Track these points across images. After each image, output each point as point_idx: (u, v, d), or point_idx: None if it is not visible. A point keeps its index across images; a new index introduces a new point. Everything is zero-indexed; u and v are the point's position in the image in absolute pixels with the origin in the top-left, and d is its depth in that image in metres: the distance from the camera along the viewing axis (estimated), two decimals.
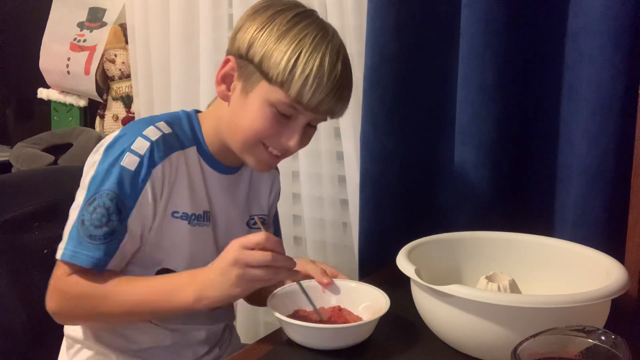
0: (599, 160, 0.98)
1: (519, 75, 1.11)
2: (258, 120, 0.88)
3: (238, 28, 0.90)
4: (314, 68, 0.84)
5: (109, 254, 0.85)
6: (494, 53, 1.08)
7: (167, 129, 0.91)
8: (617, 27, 0.94)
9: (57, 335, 0.99)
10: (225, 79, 0.91)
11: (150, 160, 0.87)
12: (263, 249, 0.80)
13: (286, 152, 0.93)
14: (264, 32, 0.86)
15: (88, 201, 0.86)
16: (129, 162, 0.86)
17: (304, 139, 0.92)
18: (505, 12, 1.06)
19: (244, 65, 0.88)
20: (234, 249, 0.80)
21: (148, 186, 0.87)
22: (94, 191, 0.86)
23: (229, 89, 0.91)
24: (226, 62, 0.91)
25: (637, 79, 0.94)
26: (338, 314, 0.88)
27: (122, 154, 0.86)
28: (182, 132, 0.94)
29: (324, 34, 0.87)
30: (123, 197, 0.85)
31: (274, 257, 0.80)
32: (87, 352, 0.95)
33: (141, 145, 0.87)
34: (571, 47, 1.06)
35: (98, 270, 0.85)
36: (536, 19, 1.09)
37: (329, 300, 0.90)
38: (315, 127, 0.94)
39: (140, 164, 0.86)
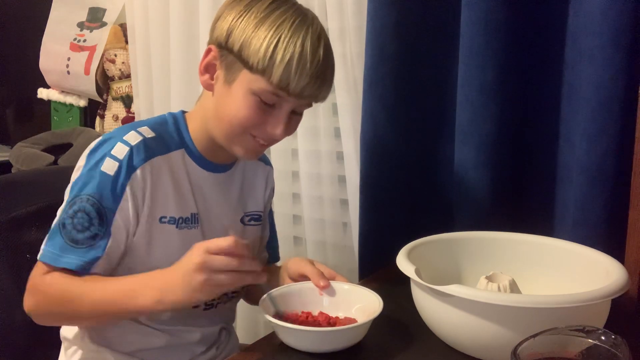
0: (599, 160, 0.98)
1: (519, 75, 1.11)
2: (242, 110, 0.87)
3: (217, 17, 0.90)
4: (295, 53, 0.83)
5: (94, 258, 0.85)
6: (494, 53, 1.08)
7: (149, 133, 0.91)
8: (617, 27, 0.93)
9: (58, 335, 0.99)
10: (208, 69, 0.91)
11: (129, 164, 0.87)
12: (229, 253, 0.77)
13: (272, 141, 0.93)
14: (242, 20, 0.85)
15: (68, 205, 0.86)
16: (108, 167, 0.86)
17: (290, 127, 0.92)
18: (505, 12, 1.06)
19: (224, 54, 0.88)
20: (199, 253, 0.77)
21: (128, 190, 0.86)
22: (74, 195, 0.86)
23: (212, 79, 0.91)
24: (208, 51, 0.90)
25: (637, 79, 0.94)
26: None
27: (102, 159, 0.86)
28: (167, 136, 0.94)
29: (303, 19, 0.86)
30: (103, 201, 0.85)
31: (240, 263, 0.77)
32: (82, 352, 0.95)
33: (120, 150, 0.87)
34: (571, 47, 1.06)
35: (82, 273, 0.85)
36: (536, 19, 1.09)
37: (322, 302, 0.90)
38: (300, 115, 0.94)
39: (119, 169, 0.86)
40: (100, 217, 0.85)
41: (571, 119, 1.07)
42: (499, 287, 0.83)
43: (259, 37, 0.84)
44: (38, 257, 0.86)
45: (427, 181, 1.26)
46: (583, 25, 1.01)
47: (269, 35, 0.83)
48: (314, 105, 0.95)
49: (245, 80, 0.86)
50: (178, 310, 0.90)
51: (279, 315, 0.86)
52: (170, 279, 0.80)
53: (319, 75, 0.86)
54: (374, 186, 1.25)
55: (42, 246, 0.86)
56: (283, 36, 0.83)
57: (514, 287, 0.84)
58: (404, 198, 1.26)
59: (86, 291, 0.84)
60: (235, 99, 0.88)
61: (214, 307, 1.00)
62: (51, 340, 1.01)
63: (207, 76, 0.92)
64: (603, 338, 0.53)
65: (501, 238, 0.97)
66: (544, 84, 1.11)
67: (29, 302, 0.86)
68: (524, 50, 1.10)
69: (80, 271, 0.85)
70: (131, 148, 0.87)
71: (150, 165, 0.89)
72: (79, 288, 0.84)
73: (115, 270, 0.89)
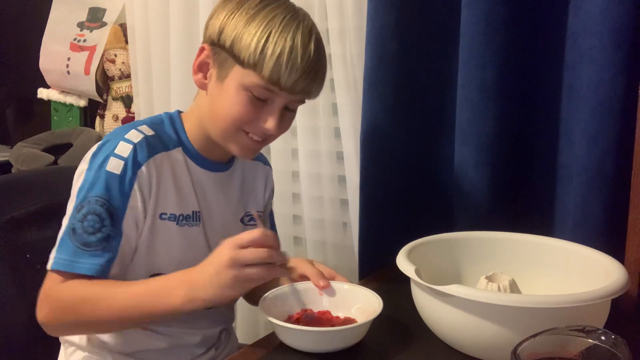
0: (599, 160, 0.98)
1: (518, 75, 1.11)
2: (235, 105, 0.88)
3: (210, 16, 0.91)
4: (286, 47, 0.84)
5: (110, 260, 0.85)
6: (494, 53, 1.08)
7: (149, 132, 0.91)
8: (617, 27, 0.94)
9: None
10: (201, 68, 0.92)
11: (135, 161, 0.87)
12: (259, 245, 0.77)
13: (267, 137, 0.93)
14: (233, 17, 0.87)
15: (76, 209, 0.85)
16: (114, 166, 0.86)
17: (283, 123, 0.92)
18: (505, 12, 1.06)
19: (217, 52, 0.89)
20: (228, 249, 0.77)
21: (136, 187, 0.87)
22: (81, 199, 0.85)
23: (205, 77, 0.92)
24: (201, 50, 0.91)
25: (637, 79, 0.94)
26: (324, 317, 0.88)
27: (106, 159, 0.86)
28: (165, 135, 0.94)
29: (294, 15, 0.88)
30: (112, 201, 0.85)
31: (270, 254, 0.77)
32: (82, 354, 0.95)
33: (124, 149, 0.87)
34: (571, 47, 1.06)
35: (100, 277, 0.84)
36: (536, 18, 1.09)
37: (321, 302, 0.90)
38: (294, 111, 0.94)
39: (125, 167, 0.86)
40: (111, 217, 0.85)
41: (571, 118, 1.06)
42: (499, 287, 0.83)
43: (250, 32, 0.85)
44: (48, 267, 0.84)
45: (427, 181, 1.26)
46: (583, 26, 1.01)
47: (260, 30, 0.84)
48: (314, 105, 0.95)
49: (237, 76, 0.87)
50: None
51: (279, 315, 0.86)
52: (199, 277, 0.79)
53: (310, 70, 0.87)
54: (374, 186, 1.25)
55: (52, 255, 0.84)
56: (274, 31, 0.84)
57: (514, 287, 0.84)
58: (404, 198, 1.26)
59: (109, 295, 0.83)
60: (228, 95, 0.88)
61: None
62: (51, 340, 1.01)
63: (200, 75, 0.93)
64: (603, 338, 0.53)
65: (501, 238, 0.97)
66: (544, 83, 1.11)
67: (44, 312, 0.84)
68: (524, 50, 1.10)
69: (98, 276, 0.84)
70: (134, 146, 0.88)
71: (154, 162, 0.89)
72: (101, 293, 0.83)
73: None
